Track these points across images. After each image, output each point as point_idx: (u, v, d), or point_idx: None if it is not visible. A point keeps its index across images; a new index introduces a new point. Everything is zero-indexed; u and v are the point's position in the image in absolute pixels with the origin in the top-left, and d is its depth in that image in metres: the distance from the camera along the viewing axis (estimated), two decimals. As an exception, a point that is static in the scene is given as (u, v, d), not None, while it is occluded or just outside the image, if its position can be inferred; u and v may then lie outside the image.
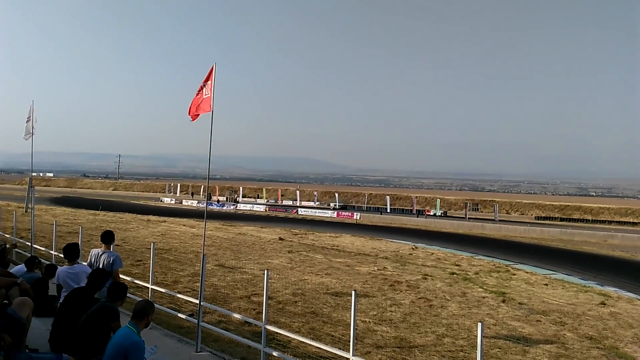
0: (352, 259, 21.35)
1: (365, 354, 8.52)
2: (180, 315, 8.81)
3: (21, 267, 8.18)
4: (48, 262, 10.41)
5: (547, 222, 65.82)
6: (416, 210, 72.39)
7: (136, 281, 10.54)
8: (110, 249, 7.33)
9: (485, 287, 16.35)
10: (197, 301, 8.07)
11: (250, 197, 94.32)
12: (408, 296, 14.15)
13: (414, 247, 28.23)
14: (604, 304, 14.71)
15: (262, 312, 7.25)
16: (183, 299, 9.63)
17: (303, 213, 63.47)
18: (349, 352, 6.13)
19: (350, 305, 6.06)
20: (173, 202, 78.15)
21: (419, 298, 13.95)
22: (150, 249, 9.64)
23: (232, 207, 69.40)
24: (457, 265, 21.53)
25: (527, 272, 20.66)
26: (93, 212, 42.46)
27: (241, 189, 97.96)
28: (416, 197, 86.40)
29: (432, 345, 9.53)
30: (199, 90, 8.13)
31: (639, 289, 18.32)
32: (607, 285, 18.82)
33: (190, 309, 10.21)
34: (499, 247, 32.36)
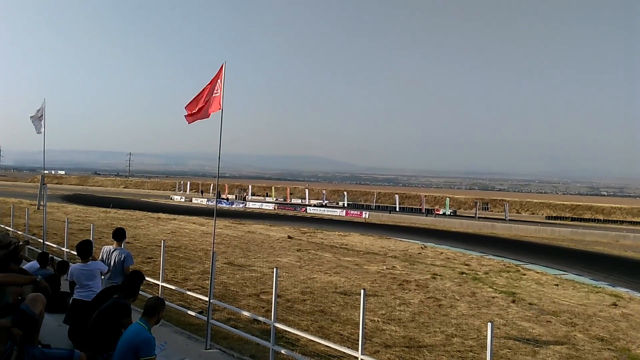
0: (360, 258, 21.33)
1: (374, 353, 8.52)
2: (190, 312, 8.87)
3: (34, 264, 8.27)
4: (60, 259, 10.53)
5: (558, 221, 65.22)
6: (425, 209, 72.09)
7: (147, 278, 10.61)
8: (121, 246, 7.40)
9: (495, 287, 16.26)
10: (207, 299, 8.11)
11: (259, 196, 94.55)
12: (417, 295, 14.11)
13: (423, 246, 28.14)
14: (616, 305, 14.56)
15: (271, 310, 7.27)
16: (193, 296, 9.69)
17: (312, 212, 63.50)
18: (357, 350, 6.13)
19: (359, 304, 6.07)
20: (183, 200, 78.54)
21: (428, 297, 13.91)
22: (160, 246, 9.71)
23: (241, 206, 69.59)
24: (466, 264, 21.43)
25: (537, 272, 20.50)
26: (104, 209, 42.82)
27: (250, 187, 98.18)
28: (425, 196, 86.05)
29: (441, 345, 9.50)
30: (204, 90, 8.12)
31: (651, 290, 18.11)
32: (618, 286, 18.62)
33: (200, 306, 10.28)
34: (509, 246, 32.14)
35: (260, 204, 72.99)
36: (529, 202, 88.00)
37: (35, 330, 4.48)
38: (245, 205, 70.47)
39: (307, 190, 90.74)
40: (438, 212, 70.91)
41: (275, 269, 7.25)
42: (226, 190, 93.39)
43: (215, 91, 8.03)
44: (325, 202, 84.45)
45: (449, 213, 70.02)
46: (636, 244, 38.68)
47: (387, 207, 77.93)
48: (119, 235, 7.47)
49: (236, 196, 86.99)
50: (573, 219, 70.08)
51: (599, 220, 68.93)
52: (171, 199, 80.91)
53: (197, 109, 8.16)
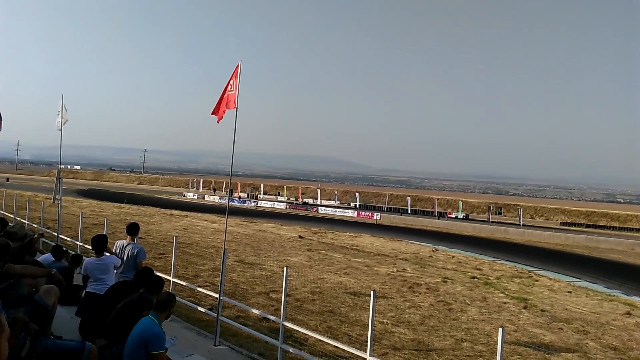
0: (371, 260, 21.28)
1: (383, 355, 8.50)
2: (199, 308, 8.93)
3: (48, 256, 8.38)
4: (74, 252, 10.67)
5: (573, 228, 64.34)
6: (437, 212, 71.63)
7: (158, 274, 10.71)
8: (134, 241, 7.49)
9: (506, 293, 16.10)
10: (217, 295, 8.16)
11: (271, 195, 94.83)
12: (427, 299, 14.04)
13: (434, 249, 27.97)
14: (630, 314, 14.33)
15: (280, 309, 7.29)
16: (203, 292, 9.76)
17: (323, 212, 63.51)
18: (366, 352, 6.12)
19: (368, 306, 6.05)
20: (195, 197, 79.09)
21: (438, 301, 13.82)
22: (172, 242, 9.80)
23: (252, 204, 69.87)
24: (478, 269, 21.25)
25: (550, 279, 20.25)
26: (118, 205, 43.33)
27: (262, 186, 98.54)
28: (438, 199, 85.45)
29: (450, 349, 9.44)
30: (225, 89, 8.19)
31: (667, 300, 17.79)
32: (633, 295, 18.33)
33: (210, 302, 10.33)
34: (522, 252, 31.79)
35: (271, 203, 73.22)
36: (543, 207, 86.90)
37: (48, 321, 4.54)
38: (257, 204, 70.73)
39: (319, 191, 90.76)
40: (450, 216, 70.42)
41: (285, 268, 7.26)
42: (238, 189, 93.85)
43: (230, 90, 8.09)
44: (337, 202, 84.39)
45: (461, 217, 69.47)
46: (652, 253, 37.98)
47: (398, 209, 77.60)
48: (132, 229, 7.57)
49: (248, 195, 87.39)
50: (588, 226, 69.05)
51: (614, 228, 67.81)
52: (184, 196, 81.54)
53: (218, 108, 8.26)
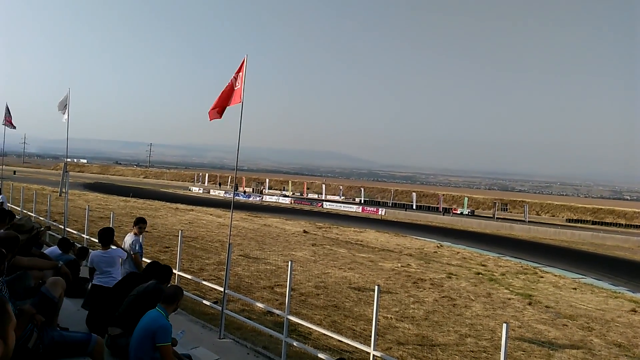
0: (375, 255, 21.29)
1: (386, 350, 8.52)
2: (205, 302, 8.99)
3: (54, 249, 8.43)
4: (80, 245, 10.75)
5: (579, 225, 64.00)
6: (443, 208, 71.43)
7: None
8: (139, 235, 7.55)
9: (511, 289, 16.08)
10: (222, 289, 8.20)
11: (276, 189, 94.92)
12: (431, 294, 14.04)
13: (439, 245, 27.94)
14: (635, 311, 14.27)
15: (284, 303, 7.32)
16: (208, 286, 9.81)
17: (328, 207, 63.54)
18: (370, 346, 6.14)
19: (373, 301, 6.07)
20: (201, 191, 79.31)
21: (443, 297, 13.83)
22: (177, 236, 9.84)
23: (258, 199, 69.97)
24: (483, 265, 21.22)
25: (555, 275, 20.19)
26: (124, 198, 43.54)
27: (267, 180, 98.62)
28: (443, 194, 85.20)
29: (454, 345, 9.45)
30: (228, 84, 8.15)
31: (673, 298, 17.69)
32: (639, 292, 18.23)
33: (215, 296, 10.39)
34: (528, 248, 31.68)
35: (276, 197, 73.31)
36: (549, 204, 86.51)
37: (54, 313, 4.58)
38: (262, 198, 70.84)
39: (324, 186, 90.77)
40: (455, 212, 70.23)
41: (290, 262, 7.28)
42: (243, 183, 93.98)
43: (236, 84, 8.07)
44: (342, 197, 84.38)
45: (466, 213, 69.28)
46: (659, 250, 37.76)
47: (403, 204, 77.47)
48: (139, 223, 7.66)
49: (253, 189, 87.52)
50: (594, 223, 68.68)
51: (620, 225, 67.43)
52: (189, 190, 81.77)
53: (219, 103, 8.21)
